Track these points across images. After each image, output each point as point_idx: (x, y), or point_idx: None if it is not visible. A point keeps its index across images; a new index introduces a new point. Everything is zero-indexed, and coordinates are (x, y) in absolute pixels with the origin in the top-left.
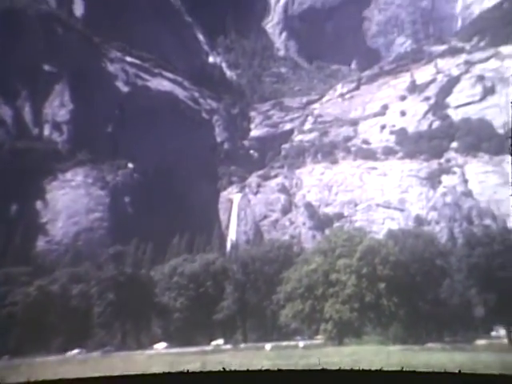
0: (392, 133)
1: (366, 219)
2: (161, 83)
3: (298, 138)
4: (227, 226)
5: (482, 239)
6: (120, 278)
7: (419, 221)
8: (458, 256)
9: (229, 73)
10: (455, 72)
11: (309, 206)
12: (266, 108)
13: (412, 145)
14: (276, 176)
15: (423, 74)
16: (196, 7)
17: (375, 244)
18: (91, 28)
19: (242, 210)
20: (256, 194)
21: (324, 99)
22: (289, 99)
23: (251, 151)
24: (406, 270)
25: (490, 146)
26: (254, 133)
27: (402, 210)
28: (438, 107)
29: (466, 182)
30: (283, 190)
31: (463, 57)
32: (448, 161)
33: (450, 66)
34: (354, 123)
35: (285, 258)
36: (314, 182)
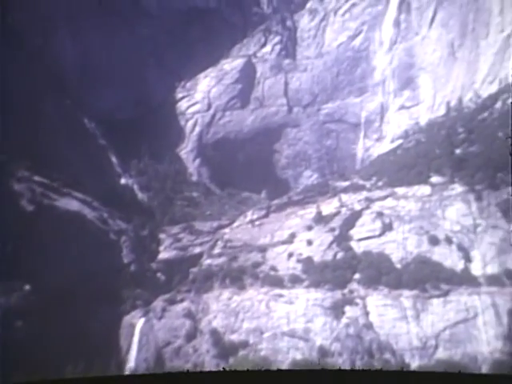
0: (299, 261)
1: (271, 348)
2: (69, 203)
3: (206, 261)
4: (127, 353)
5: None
6: None
7: (323, 352)
8: None
9: (140, 195)
10: (357, 207)
11: (214, 332)
12: (176, 231)
13: (317, 274)
14: (182, 300)
15: (328, 206)
16: (111, 131)
17: None
18: None
19: (144, 335)
20: (160, 318)
21: (234, 225)
22: (199, 223)
23: (158, 274)
24: None
25: (388, 279)
26: (163, 255)
27: (306, 340)
28: (342, 238)
29: (367, 314)
30: (189, 315)
31: (364, 193)
32: (351, 292)
33: (353, 201)
34: (263, 250)
35: None
36: (221, 307)
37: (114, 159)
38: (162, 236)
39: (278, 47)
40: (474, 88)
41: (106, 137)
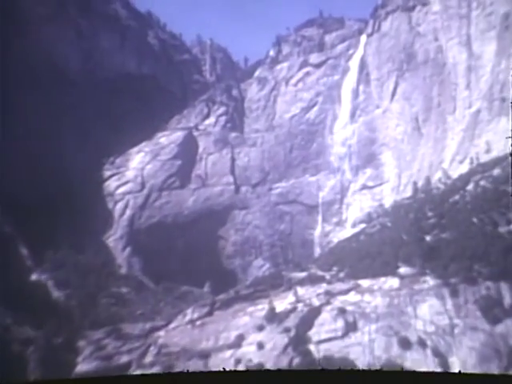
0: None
1: None
2: None
3: (135, 373)
4: None
5: None
6: None
7: None
8: None
9: (56, 293)
10: (316, 302)
11: None
12: (99, 336)
13: None
14: None
15: (283, 301)
16: (19, 217)
17: None
18: None
19: None
20: None
21: (171, 326)
22: (128, 325)
23: None
24: None
25: None
26: (81, 367)
27: None
28: (299, 341)
29: None
30: None
31: (323, 286)
32: None
33: (311, 295)
34: (205, 356)
35: None
36: None
37: (23, 250)
38: (81, 343)
39: (222, 119)
40: (443, 167)
41: (12, 224)
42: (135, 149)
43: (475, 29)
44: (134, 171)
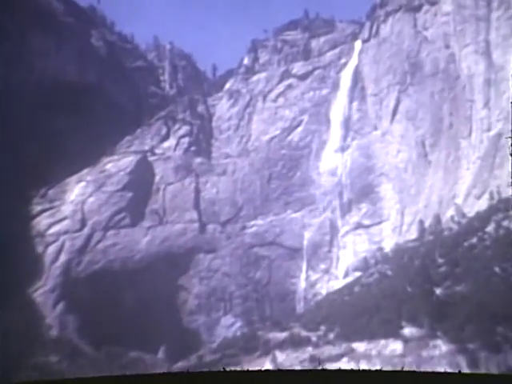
0: None
1: None
2: None
3: None
4: None
5: None
6: None
7: None
8: None
9: None
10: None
11: None
12: None
13: None
14: None
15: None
16: None
17: None
18: None
19: None
20: None
21: None
22: None
23: None
24: None
25: None
26: None
27: None
28: None
29: None
30: None
31: (309, 351)
32: None
33: (293, 361)
34: None
35: None
36: None
37: None
38: None
39: (185, 141)
40: (456, 203)
41: None
42: (74, 177)
43: (496, 34)
44: (71, 205)
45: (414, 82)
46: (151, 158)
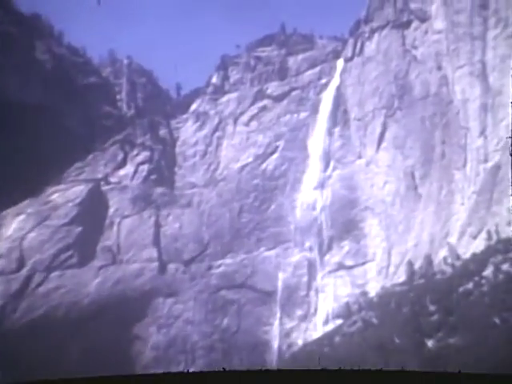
0: None
1: None
2: None
3: None
4: None
5: None
6: None
7: None
8: None
9: None
10: None
11: None
12: None
13: None
14: None
15: None
16: None
17: None
18: None
19: None
20: None
21: None
22: None
23: None
24: None
25: None
26: None
27: None
28: None
29: None
30: None
31: None
32: None
33: None
34: None
35: None
36: None
37: None
38: None
39: (144, 168)
40: (449, 243)
41: None
42: (12, 209)
43: (493, 54)
44: (7, 242)
45: (402, 106)
46: (105, 188)
